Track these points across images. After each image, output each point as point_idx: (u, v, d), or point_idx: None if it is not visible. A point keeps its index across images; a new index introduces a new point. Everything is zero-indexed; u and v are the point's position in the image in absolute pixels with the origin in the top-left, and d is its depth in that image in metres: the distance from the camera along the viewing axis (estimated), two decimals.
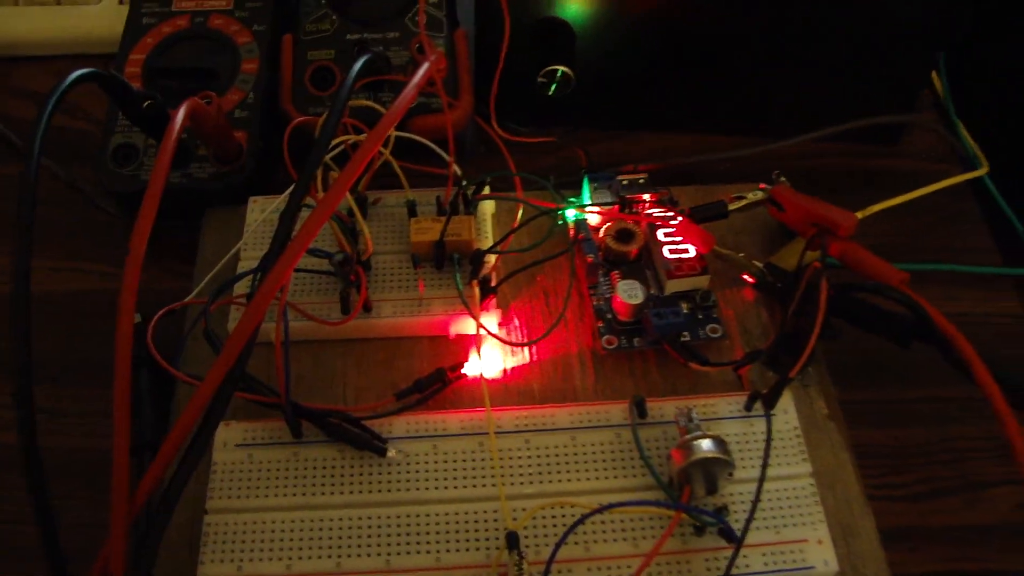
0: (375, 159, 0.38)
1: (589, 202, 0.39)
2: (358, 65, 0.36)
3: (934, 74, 0.50)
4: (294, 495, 0.33)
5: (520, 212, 0.38)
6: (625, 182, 0.40)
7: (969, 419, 0.38)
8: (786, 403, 0.35)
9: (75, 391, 0.39)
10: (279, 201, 0.40)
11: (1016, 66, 0.59)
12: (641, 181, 0.40)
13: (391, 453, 0.33)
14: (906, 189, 0.44)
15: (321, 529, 0.32)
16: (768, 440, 0.32)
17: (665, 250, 0.37)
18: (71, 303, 0.42)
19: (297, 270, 0.37)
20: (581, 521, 0.29)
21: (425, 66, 0.35)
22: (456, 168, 0.37)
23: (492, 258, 0.37)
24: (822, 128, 0.44)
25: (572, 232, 0.39)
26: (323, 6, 0.44)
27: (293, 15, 0.44)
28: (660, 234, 0.38)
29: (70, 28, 0.52)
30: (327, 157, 0.38)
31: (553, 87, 0.41)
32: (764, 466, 0.31)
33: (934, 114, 0.50)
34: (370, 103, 0.40)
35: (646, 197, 0.39)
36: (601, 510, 0.29)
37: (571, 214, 0.39)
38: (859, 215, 0.42)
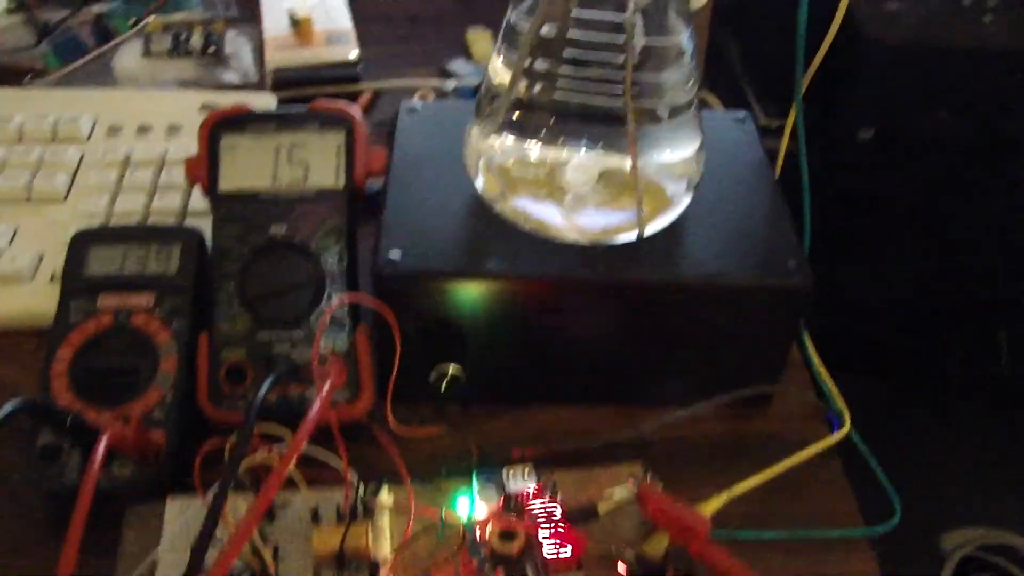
0: None
1: (473, 512, 0.43)
2: (263, 391, 0.41)
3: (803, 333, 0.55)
4: None
5: (411, 519, 0.42)
6: (511, 474, 0.44)
7: None
8: None
9: None
10: (197, 504, 0.43)
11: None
12: (527, 471, 0.44)
13: None
14: (777, 451, 0.49)
15: None
16: None
17: (545, 548, 0.41)
18: None
19: None
20: None
21: (312, 415, 0.39)
22: (352, 479, 0.41)
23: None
24: (693, 400, 0.49)
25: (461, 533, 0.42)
26: (236, 307, 0.48)
27: (209, 313, 0.48)
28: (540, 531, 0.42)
29: (4, 305, 0.55)
30: None
31: (443, 385, 0.46)
32: None
33: (805, 373, 0.54)
34: (278, 430, 0.43)
35: (531, 489, 0.43)
36: None
37: (462, 512, 0.43)
38: (727, 496, 0.46)
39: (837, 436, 0.50)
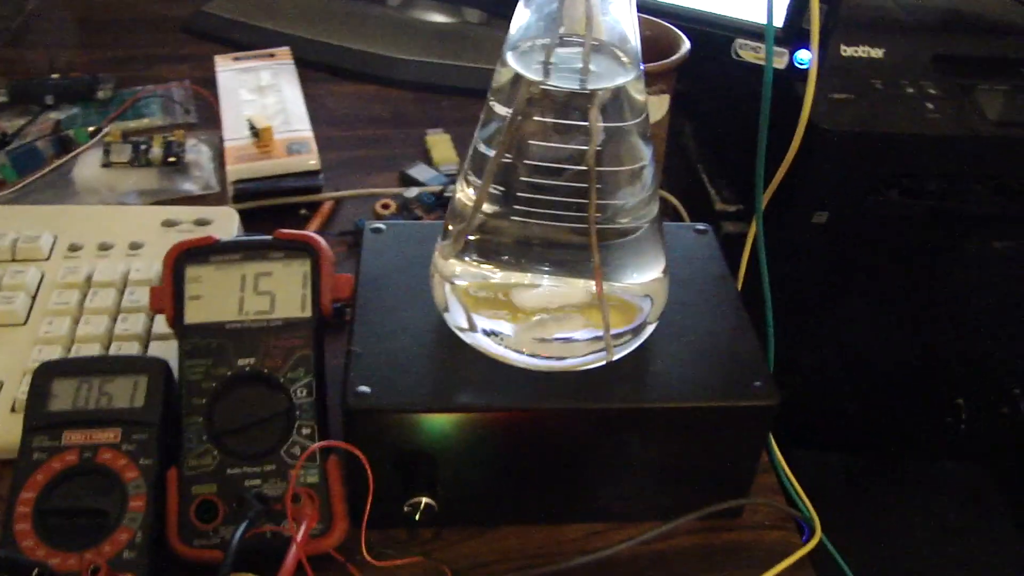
0: None
1: None
2: (236, 538, 0.40)
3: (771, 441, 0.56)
4: None
5: None
6: None
7: None
8: None
9: None
10: None
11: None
12: None
13: None
14: (750, 562, 0.49)
15: None
16: None
17: None
18: None
19: None
20: None
21: (289, 563, 0.39)
22: None
23: None
24: (666, 516, 0.50)
25: None
26: (205, 442, 0.47)
27: (178, 447, 0.48)
28: None
29: None
30: None
31: (417, 516, 0.46)
32: None
33: (771, 477, 0.55)
34: None
35: None
36: None
37: None
38: None
39: (808, 545, 0.51)
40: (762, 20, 0.77)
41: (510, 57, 0.43)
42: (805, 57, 0.79)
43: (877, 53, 0.90)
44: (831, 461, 1.12)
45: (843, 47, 0.90)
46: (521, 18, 0.43)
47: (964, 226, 0.91)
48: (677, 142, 1.02)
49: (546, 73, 0.42)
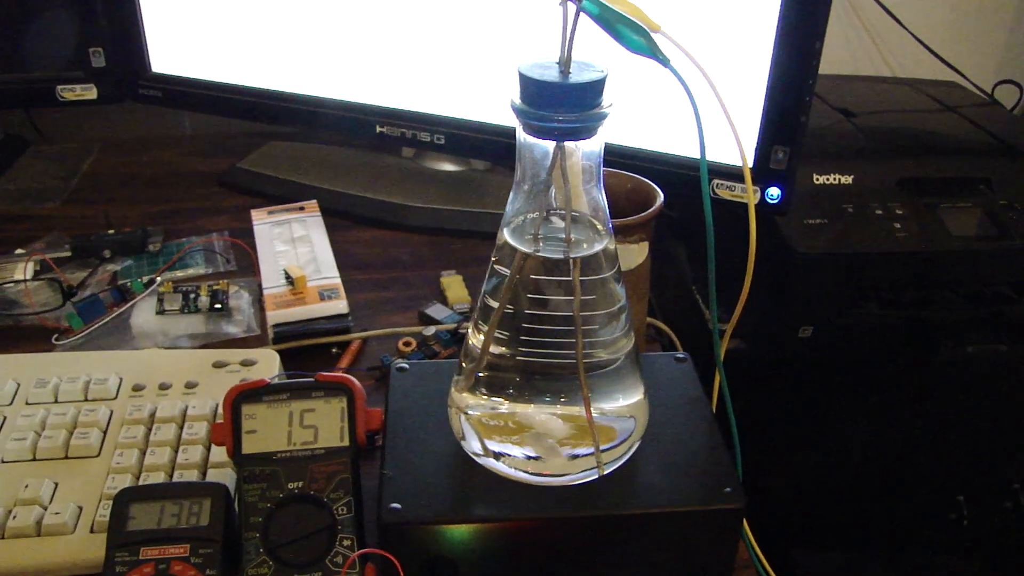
0: None
1: None
2: None
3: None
4: None
5: None
6: None
7: None
8: None
9: None
10: None
11: None
12: None
13: None
14: None
15: None
16: None
17: None
18: None
19: None
20: None
21: None
22: None
23: None
24: None
25: None
26: (261, 553, 0.56)
27: (238, 560, 0.56)
28: None
29: (50, 556, 0.62)
30: None
31: None
32: None
33: (752, 571, 0.63)
34: None
35: None
36: None
37: None
38: None
39: None
40: (734, 162, 0.88)
41: (506, 232, 0.53)
42: (775, 193, 0.89)
43: (847, 180, 1.00)
44: (833, 559, 1.18)
45: (815, 176, 1.00)
46: (514, 196, 0.53)
47: (940, 333, 0.99)
48: (672, 265, 1.12)
49: (536, 243, 0.52)
